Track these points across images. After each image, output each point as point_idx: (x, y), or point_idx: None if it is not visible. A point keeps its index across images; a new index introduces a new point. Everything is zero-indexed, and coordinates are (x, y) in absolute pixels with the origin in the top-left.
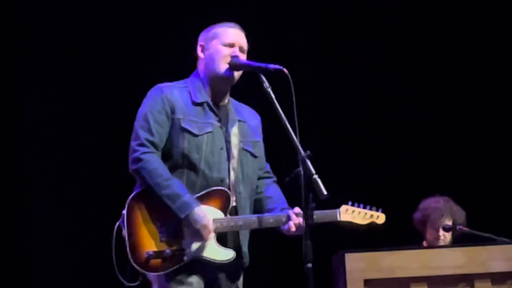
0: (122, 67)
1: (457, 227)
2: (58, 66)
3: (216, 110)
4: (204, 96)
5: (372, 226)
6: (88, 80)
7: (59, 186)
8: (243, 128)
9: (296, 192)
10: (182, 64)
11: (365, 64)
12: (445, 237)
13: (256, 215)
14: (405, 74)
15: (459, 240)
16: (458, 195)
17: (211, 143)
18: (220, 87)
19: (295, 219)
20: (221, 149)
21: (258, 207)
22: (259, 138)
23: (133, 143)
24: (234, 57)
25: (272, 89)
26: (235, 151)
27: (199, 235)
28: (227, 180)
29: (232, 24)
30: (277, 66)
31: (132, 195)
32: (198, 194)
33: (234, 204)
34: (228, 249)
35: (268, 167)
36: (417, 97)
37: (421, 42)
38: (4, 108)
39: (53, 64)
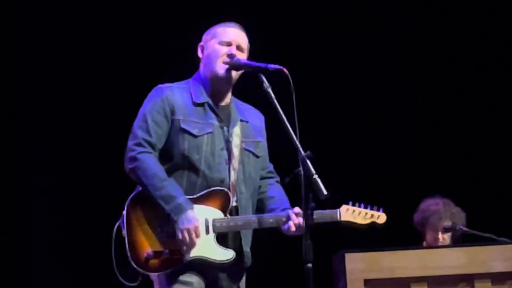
0: (123, 67)
1: (457, 227)
2: (58, 66)
3: (217, 110)
4: (205, 96)
5: (373, 226)
6: (88, 80)
7: (59, 186)
8: (245, 128)
9: (296, 192)
10: (184, 64)
11: (365, 64)
12: (444, 239)
13: (256, 215)
14: (405, 74)
15: (459, 241)
16: (458, 195)
17: (211, 143)
18: (220, 87)
19: (295, 219)
20: (222, 149)
21: (260, 207)
22: (262, 138)
23: (130, 143)
24: (230, 55)
25: (272, 89)
26: (236, 151)
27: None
28: (228, 180)
29: (231, 23)
30: (277, 66)
31: (132, 195)
32: (198, 195)
33: (235, 204)
34: (228, 249)
35: (271, 167)
36: (417, 97)
37: (421, 42)
38: (4, 108)
39: (53, 64)
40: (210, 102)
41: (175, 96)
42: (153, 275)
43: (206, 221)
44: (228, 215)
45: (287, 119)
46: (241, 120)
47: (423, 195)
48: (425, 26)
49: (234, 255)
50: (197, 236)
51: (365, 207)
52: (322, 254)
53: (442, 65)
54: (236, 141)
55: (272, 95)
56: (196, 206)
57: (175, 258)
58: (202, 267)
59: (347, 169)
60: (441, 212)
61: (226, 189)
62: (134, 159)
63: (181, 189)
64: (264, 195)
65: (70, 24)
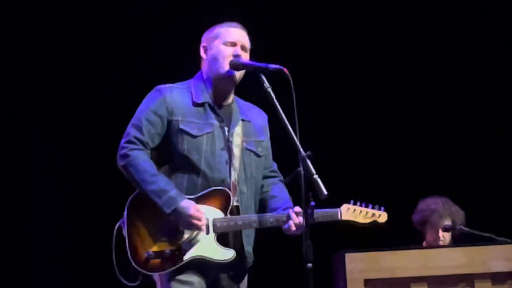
0: (123, 67)
1: (457, 227)
2: (58, 66)
3: (217, 110)
4: (206, 96)
5: (374, 225)
6: (88, 80)
7: (59, 186)
8: (247, 128)
9: (297, 191)
10: (184, 64)
11: (365, 64)
12: (445, 237)
13: (257, 214)
14: (405, 74)
15: (459, 240)
16: (458, 195)
17: (211, 143)
18: (223, 87)
19: (295, 218)
20: (222, 149)
21: (262, 207)
22: (264, 137)
23: (122, 140)
24: (236, 56)
25: (272, 89)
26: (237, 151)
27: (195, 233)
28: (228, 180)
29: (234, 23)
30: (277, 66)
31: (133, 195)
32: (198, 195)
33: (235, 203)
34: (228, 248)
35: (275, 167)
36: (417, 97)
37: (421, 42)
38: (4, 108)
39: (53, 64)
40: (211, 102)
41: (174, 96)
42: (155, 275)
43: (206, 221)
44: (228, 214)
45: (287, 119)
46: (243, 120)
47: (423, 195)
48: (425, 26)
49: (235, 255)
50: (200, 220)
51: (366, 206)
52: (322, 254)
53: (442, 65)
54: (237, 140)
55: (273, 95)
56: None
57: (176, 258)
58: (203, 266)
59: (347, 169)
60: (441, 210)
61: (226, 189)
62: (125, 156)
63: (174, 186)
64: (267, 194)
65: (70, 24)
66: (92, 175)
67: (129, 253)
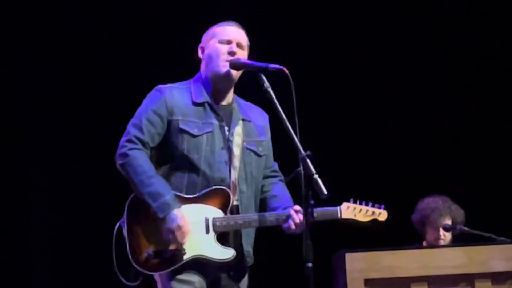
0: (123, 67)
1: (457, 226)
2: (58, 66)
3: (217, 109)
4: (205, 96)
5: (374, 223)
6: (88, 80)
7: (59, 186)
8: (247, 127)
9: (297, 191)
10: (184, 64)
11: (365, 64)
12: (445, 236)
13: (257, 213)
14: (405, 74)
15: (459, 240)
16: (457, 195)
17: (211, 143)
18: (221, 86)
19: (296, 217)
20: (222, 148)
21: (263, 206)
22: (265, 137)
23: (122, 139)
24: (231, 53)
25: (272, 89)
26: (237, 150)
27: (195, 233)
28: (228, 179)
29: (230, 22)
30: (277, 66)
31: (133, 195)
32: (198, 194)
33: (235, 203)
34: (228, 248)
35: (275, 166)
36: (417, 97)
37: (421, 42)
38: (4, 108)
39: (53, 64)
40: (211, 101)
41: (174, 96)
42: (155, 275)
43: (206, 220)
44: (228, 214)
45: (287, 119)
46: (243, 119)
47: (422, 195)
48: (425, 26)
49: (235, 254)
50: (184, 233)
51: (366, 204)
52: (322, 254)
53: (442, 65)
54: (237, 140)
55: (273, 94)
56: (195, 205)
57: (175, 257)
58: (203, 266)
59: (347, 169)
60: (441, 209)
61: (226, 188)
62: (124, 155)
63: (171, 189)
64: (267, 194)
65: (70, 24)
66: (92, 175)
67: (129, 253)
